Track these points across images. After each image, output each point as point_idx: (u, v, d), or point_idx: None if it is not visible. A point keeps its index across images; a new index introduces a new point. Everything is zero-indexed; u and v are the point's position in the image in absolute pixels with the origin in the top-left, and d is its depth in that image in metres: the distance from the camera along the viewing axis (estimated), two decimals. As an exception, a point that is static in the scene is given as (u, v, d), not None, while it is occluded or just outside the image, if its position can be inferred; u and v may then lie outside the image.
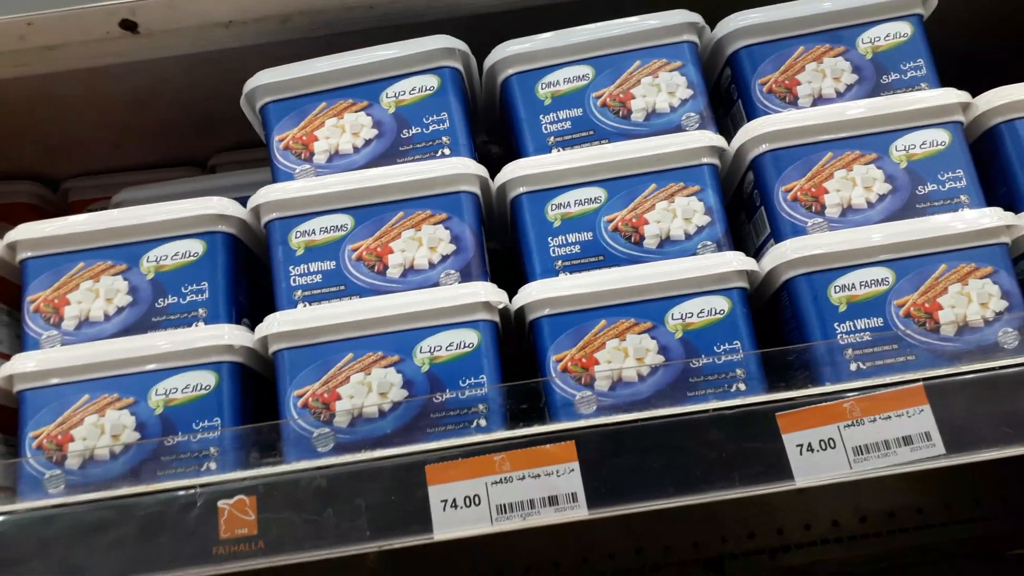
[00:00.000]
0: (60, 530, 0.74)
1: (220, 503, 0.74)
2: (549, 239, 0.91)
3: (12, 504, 0.75)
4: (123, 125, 1.26)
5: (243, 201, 0.94)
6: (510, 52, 0.98)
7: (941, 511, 1.35)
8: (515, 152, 0.98)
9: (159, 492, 0.74)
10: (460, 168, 0.91)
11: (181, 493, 0.74)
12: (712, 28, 1.02)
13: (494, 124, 1.11)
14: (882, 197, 0.91)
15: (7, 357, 0.89)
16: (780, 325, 0.92)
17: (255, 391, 0.89)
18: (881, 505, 1.36)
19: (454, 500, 0.73)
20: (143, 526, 0.74)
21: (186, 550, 0.73)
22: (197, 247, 0.89)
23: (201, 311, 0.87)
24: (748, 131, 0.94)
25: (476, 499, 0.73)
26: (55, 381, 0.84)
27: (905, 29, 0.99)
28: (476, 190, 0.92)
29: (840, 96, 0.97)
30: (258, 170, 1.17)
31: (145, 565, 0.72)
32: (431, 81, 0.96)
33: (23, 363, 0.85)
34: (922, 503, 1.35)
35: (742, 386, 0.82)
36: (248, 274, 0.94)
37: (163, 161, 1.37)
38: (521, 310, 0.88)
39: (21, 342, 0.89)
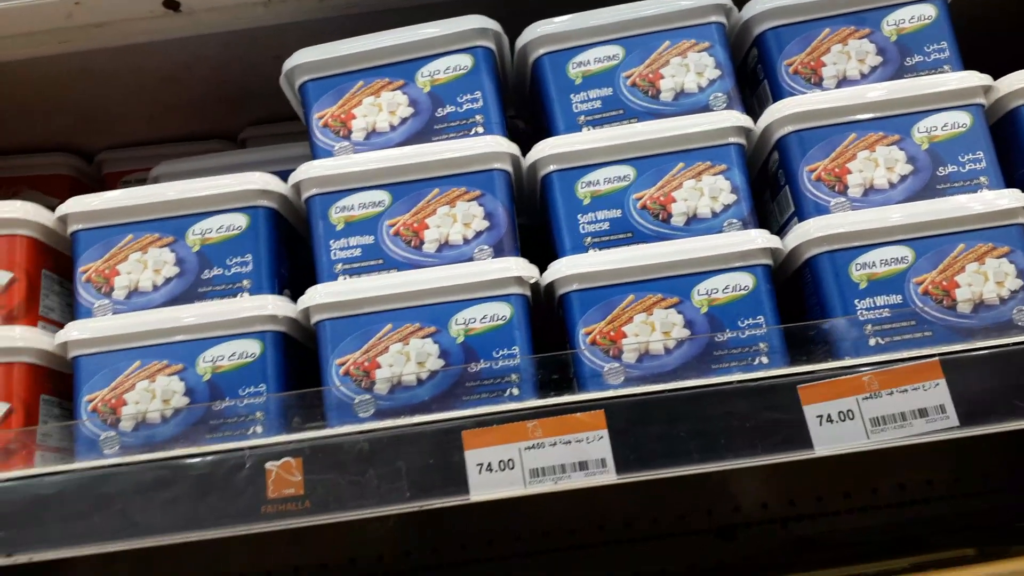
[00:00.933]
0: (117, 488, 0.78)
1: (268, 464, 0.78)
2: (579, 216, 0.94)
3: (72, 463, 0.79)
4: (158, 99, 1.29)
5: (279, 175, 0.97)
6: (542, 32, 1.00)
7: (950, 484, 1.38)
8: (545, 130, 1.01)
9: (210, 454, 0.78)
10: (494, 147, 0.94)
11: (231, 455, 0.78)
12: (740, 9, 1.04)
13: (523, 101, 1.13)
14: (903, 178, 0.94)
15: (60, 324, 0.93)
16: (802, 301, 0.95)
17: (297, 359, 0.92)
18: (892, 478, 1.39)
19: (489, 464, 0.77)
20: (195, 485, 0.77)
21: (236, 508, 0.77)
22: (241, 221, 0.93)
23: (245, 282, 0.91)
24: (774, 112, 0.96)
25: (510, 463, 0.77)
26: (107, 348, 0.88)
27: (929, 12, 1.01)
28: (509, 168, 0.95)
29: (864, 78, 0.99)
30: (291, 144, 1.20)
31: (198, 522, 0.76)
32: (465, 60, 0.99)
33: (77, 331, 0.89)
34: (932, 476, 1.38)
35: (765, 359, 0.86)
36: (288, 247, 0.98)
37: (195, 134, 1.40)
38: (551, 284, 0.91)
39: (72, 310, 0.93)
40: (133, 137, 1.39)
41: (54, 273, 0.97)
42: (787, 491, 1.40)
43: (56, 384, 0.92)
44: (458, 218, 0.93)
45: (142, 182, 1.33)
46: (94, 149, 1.40)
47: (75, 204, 0.93)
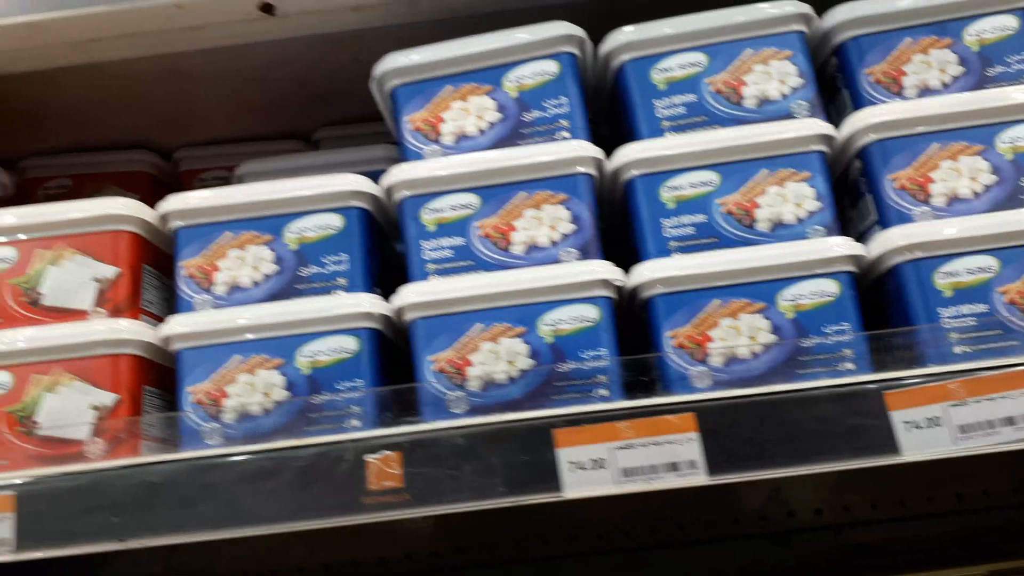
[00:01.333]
0: (222, 478, 0.80)
1: (367, 457, 0.80)
2: (663, 220, 0.96)
3: (178, 453, 0.82)
4: (238, 100, 1.32)
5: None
6: (627, 39, 1.02)
7: (1009, 494, 1.37)
8: (627, 135, 1.02)
9: (312, 446, 0.81)
10: (579, 151, 0.96)
11: (332, 447, 0.80)
12: (820, 18, 1.05)
13: (601, 105, 1.15)
14: (988, 187, 0.94)
15: (159, 318, 0.97)
16: (884, 308, 0.95)
17: (389, 356, 0.95)
18: (949, 487, 1.38)
19: (581, 462, 0.79)
20: (298, 476, 0.80)
21: (338, 500, 0.79)
22: (337, 221, 0.95)
23: (341, 280, 0.94)
24: (857, 120, 0.97)
25: (602, 462, 0.79)
26: (210, 342, 0.91)
27: (1012, 23, 1.01)
28: (594, 172, 0.97)
29: (946, 88, 1.00)
30: (372, 146, 1.22)
31: (302, 512, 0.79)
32: (551, 66, 1.01)
33: (181, 324, 0.92)
34: (989, 486, 1.38)
35: (850, 365, 0.87)
36: (379, 246, 1.00)
37: (270, 134, 1.43)
38: (636, 288, 0.93)
39: (171, 305, 0.96)
40: (210, 135, 1.42)
41: (154, 268, 1.00)
42: (841, 498, 1.40)
43: (158, 375, 0.96)
44: (544, 221, 0.95)
45: (219, 180, 1.37)
46: (170, 147, 1.44)
47: (176, 202, 0.96)
